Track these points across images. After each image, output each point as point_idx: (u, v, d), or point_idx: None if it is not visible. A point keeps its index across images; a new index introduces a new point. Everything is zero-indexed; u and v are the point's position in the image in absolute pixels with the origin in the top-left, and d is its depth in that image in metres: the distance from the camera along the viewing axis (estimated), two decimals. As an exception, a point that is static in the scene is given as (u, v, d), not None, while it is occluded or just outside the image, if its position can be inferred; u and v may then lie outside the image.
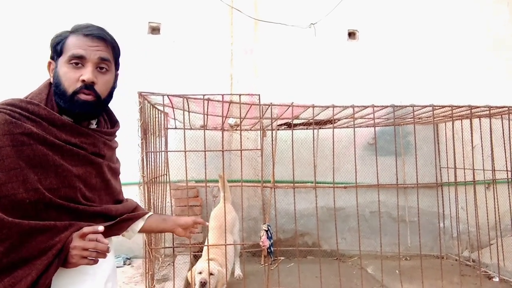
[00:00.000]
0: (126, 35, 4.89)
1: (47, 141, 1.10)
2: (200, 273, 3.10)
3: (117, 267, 4.35)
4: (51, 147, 1.11)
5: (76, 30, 1.19)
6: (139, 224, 1.41)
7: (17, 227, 1.01)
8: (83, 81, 1.15)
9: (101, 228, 1.07)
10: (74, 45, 1.16)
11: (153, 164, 3.37)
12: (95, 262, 1.07)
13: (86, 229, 1.07)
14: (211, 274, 3.08)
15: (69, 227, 1.09)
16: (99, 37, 1.19)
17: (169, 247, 3.68)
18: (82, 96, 1.16)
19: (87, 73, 1.15)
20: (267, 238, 3.36)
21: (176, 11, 5.13)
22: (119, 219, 1.27)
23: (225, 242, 3.18)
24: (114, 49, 1.25)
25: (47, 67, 1.24)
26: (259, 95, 3.17)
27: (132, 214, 1.36)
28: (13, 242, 1.01)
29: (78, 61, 1.16)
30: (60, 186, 1.11)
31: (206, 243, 3.53)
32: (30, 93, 1.21)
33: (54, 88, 1.19)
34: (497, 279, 4.10)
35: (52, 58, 1.23)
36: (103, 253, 1.06)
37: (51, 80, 1.21)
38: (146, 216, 1.44)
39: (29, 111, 1.11)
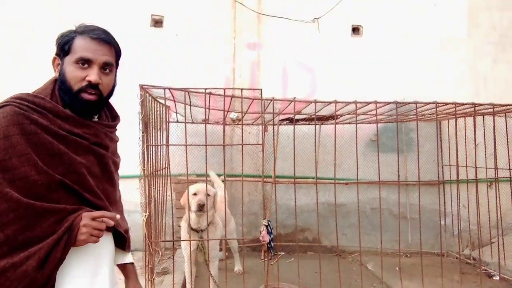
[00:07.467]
0: (128, 27, 4.88)
1: (52, 131, 1.20)
2: (195, 194, 2.95)
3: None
4: (56, 137, 1.20)
5: (83, 32, 1.28)
6: (126, 259, 1.50)
7: (31, 208, 1.12)
8: (89, 81, 1.25)
9: (111, 214, 1.23)
10: (82, 47, 1.26)
11: (154, 157, 3.36)
12: (98, 240, 1.21)
13: (96, 213, 1.20)
14: (208, 195, 2.95)
15: (78, 210, 1.20)
16: (105, 41, 1.29)
17: (169, 241, 3.69)
18: (86, 96, 1.26)
19: (93, 75, 1.25)
20: (267, 233, 3.36)
21: (179, 4, 5.10)
22: (125, 237, 1.42)
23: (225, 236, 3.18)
24: (117, 52, 1.36)
25: (52, 62, 1.33)
26: (261, 89, 3.15)
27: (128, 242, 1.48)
28: (28, 221, 1.11)
29: (85, 62, 1.26)
30: (66, 172, 1.21)
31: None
32: (37, 89, 1.30)
33: (59, 84, 1.28)
34: (497, 278, 4.09)
35: (57, 54, 1.31)
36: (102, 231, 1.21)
37: (56, 75, 1.30)
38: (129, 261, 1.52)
39: (35, 103, 1.20)
